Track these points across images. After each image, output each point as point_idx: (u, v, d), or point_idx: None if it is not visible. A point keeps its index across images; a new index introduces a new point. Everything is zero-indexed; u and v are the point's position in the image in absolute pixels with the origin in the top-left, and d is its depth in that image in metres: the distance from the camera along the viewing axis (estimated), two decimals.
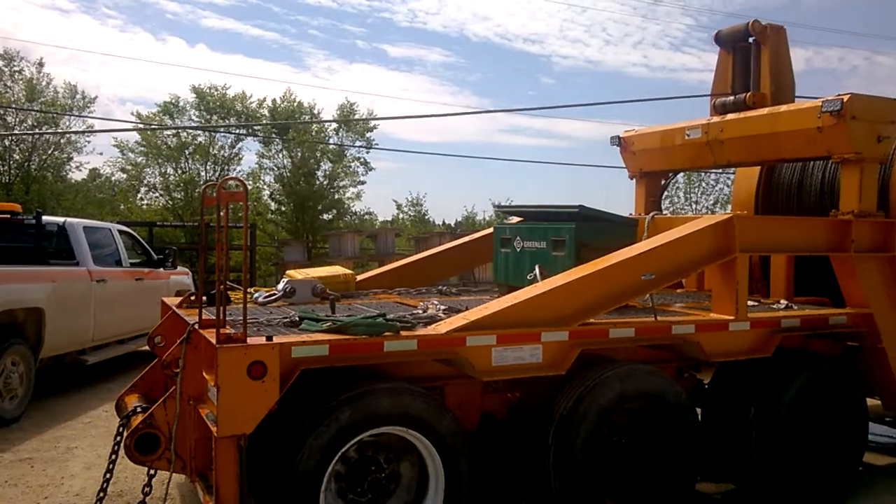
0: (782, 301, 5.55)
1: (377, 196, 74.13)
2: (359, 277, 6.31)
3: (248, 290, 5.55)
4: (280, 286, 5.21)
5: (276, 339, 3.47)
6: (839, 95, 5.12)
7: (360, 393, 3.60)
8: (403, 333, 3.79)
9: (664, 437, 4.51)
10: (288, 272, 5.64)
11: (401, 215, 35.07)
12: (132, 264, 9.61)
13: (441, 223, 37.78)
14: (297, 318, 4.06)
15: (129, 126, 25.48)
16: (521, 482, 4.34)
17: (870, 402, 5.38)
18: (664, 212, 7.88)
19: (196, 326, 3.96)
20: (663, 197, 7.41)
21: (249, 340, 3.41)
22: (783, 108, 5.67)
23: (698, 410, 4.89)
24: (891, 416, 6.73)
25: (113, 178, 28.68)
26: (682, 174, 26.45)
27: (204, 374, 3.86)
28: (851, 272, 5.16)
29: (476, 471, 4.01)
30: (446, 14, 67.65)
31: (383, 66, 60.98)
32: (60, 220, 8.56)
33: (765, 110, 5.80)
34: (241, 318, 3.48)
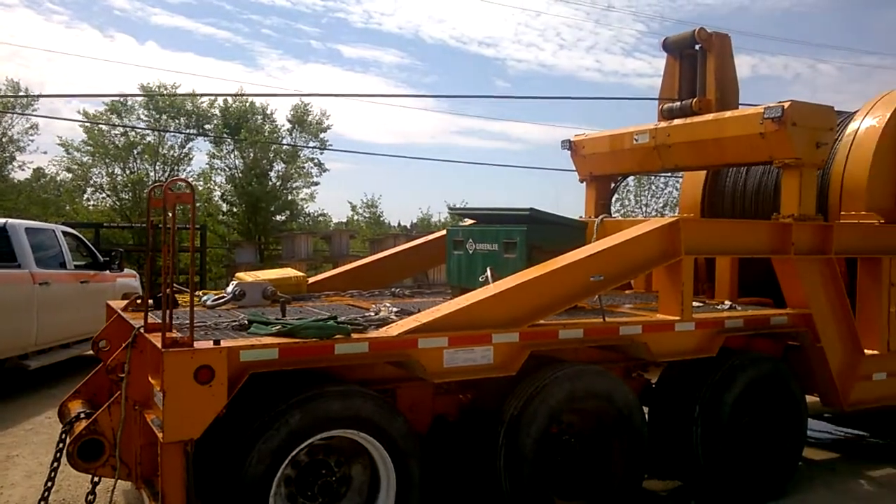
0: (726, 302, 5.70)
1: (332, 197, 73.63)
2: (311, 280, 6.26)
3: (197, 293, 5.47)
4: (229, 289, 5.14)
5: (223, 343, 3.43)
6: (780, 102, 5.29)
7: (310, 396, 3.58)
8: (354, 336, 3.78)
9: (612, 435, 4.59)
10: (237, 274, 5.57)
11: (356, 217, 34.92)
12: (77, 266, 9.37)
13: (397, 225, 37.72)
14: (245, 322, 4.02)
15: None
16: (472, 483, 4.36)
17: (809, 399, 5.57)
18: (614, 214, 8.03)
19: (142, 330, 3.89)
20: (613, 200, 7.54)
21: (196, 344, 3.37)
22: (727, 114, 5.83)
23: (646, 409, 5.00)
24: (829, 412, 6.98)
25: (58, 178, 27.88)
26: (632, 177, 26.99)
27: (150, 378, 3.80)
28: (792, 274, 5.33)
29: (428, 473, 4.02)
30: (402, 15, 67.66)
31: (338, 66, 60.66)
32: (1, 221, 8.30)
33: (710, 116, 5.95)
34: (189, 321, 3.43)
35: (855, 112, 6.28)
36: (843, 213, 5.84)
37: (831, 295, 5.47)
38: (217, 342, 3.42)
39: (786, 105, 5.21)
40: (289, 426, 3.49)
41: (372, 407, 3.73)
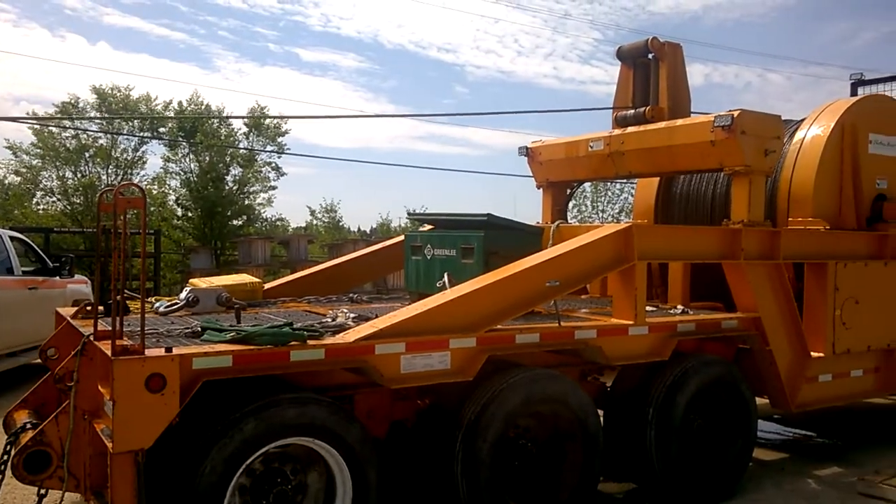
0: (679, 306, 5.81)
1: (290, 202, 73.02)
2: (267, 285, 6.20)
3: (150, 299, 5.37)
4: (182, 295, 5.06)
5: (176, 351, 3.37)
6: (730, 111, 5.42)
7: (264, 404, 3.54)
8: (310, 343, 3.75)
9: (568, 439, 4.64)
10: (191, 280, 5.49)
11: (314, 222, 34.65)
12: (25, 272, 9.10)
13: (356, 230, 37.57)
14: (199, 329, 3.96)
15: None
16: (430, 489, 4.36)
17: (759, 400, 5.71)
18: (571, 220, 8.14)
19: (91, 338, 3.80)
20: (570, 206, 7.64)
21: (147, 352, 3.30)
22: (679, 122, 5.96)
23: (601, 413, 5.07)
24: (778, 413, 7.16)
25: (6, 182, 27.05)
26: (589, 184, 27.33)
27: (99, 387, 3.72)
28: (741, 278, 5.46)
29: (385, 479, 4.01)
30: (360, 19, 67.49)
31: (296, 69, 60.21)
32: None
33: (662, 124, 6.08)
34: (140, 328, 3.36)
35: (802, 121, 6.48)
36: (790, 219, 6.01)
37: (779, 299, 5.62)
38: (169, 349, 3.36)
39: (735, 114, 5.34)
40: (243, 434, 3.45)
41: (327, 414, 3.70)
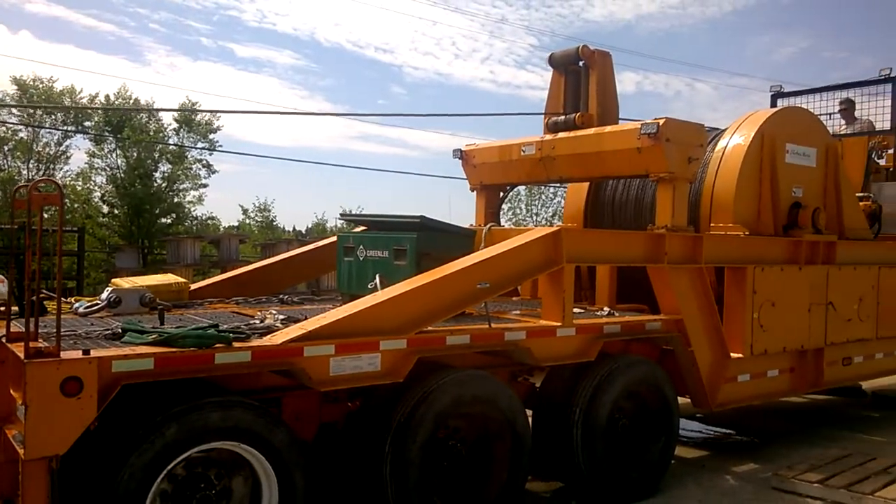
0: (605, 308, 5.95)
1: (222, 200, 71.40)
2: (193, 286, 6.05)
3: (69, 299, 5.18)
4: (104, 296, 4.89)
5: (93, 353, 3.26)
6: (656, 119, 5.59)
7: (187, 407, 3.46)
8: (236, 345, 3.68)
9: (497, 439, 4.69)
10: (114, 280, 5.32)
11: (247, 221, 34.00)
12: None
13: (291, 230, 37.06)
14: (119, 330, 3.84)
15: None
16: (358, 492, 4.34)
17: (681, 400, 5.89)
18: (507, 223, 8.25)
19: (3, 339, 3.64)
20: (505, 208, 7.74)
21: (63, 354, 3.19)
22: (607, 128, 6.10)
23: (530, 413, 5.14)
24: (700, 412, 7.41)
25: None
26: (523, 187, 27.71)
27: (11, 391, 3.56)
28: (665, 282, 5.62)
29: (313, 483, 3.97)
30: (297, 16, 66.65)
31: (230, 65, 58.98)
32: None
33: (591, 130, 6.21)
34: (56, 330, 3.24)
35: (724, 130, 6.73)
36: (712, 224, 6.23)
37: (701, 302, 5.81)
38: (87, 352, 3.25)
39: (660, 122, 5.50)
40: (164, 439, 3.36)
41: (253, 417, 3.64)
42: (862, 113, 9.11)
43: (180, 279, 5.75)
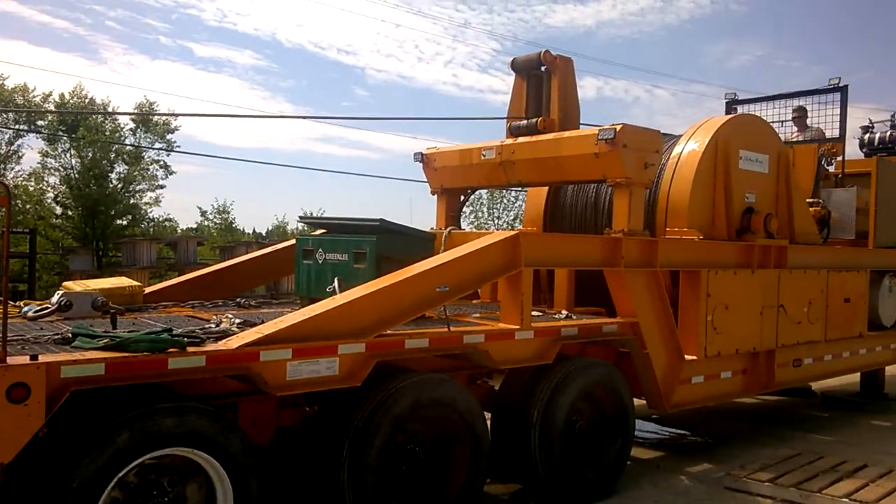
0: (563, 311, 6.01)
1: (180, 202, 70.27)
2: (148, 289, 5.94)
3: (18, 303, 5.04)
4: (54, 299, 4.78)
5: (42, 358, 3.18)
6: (613, 125, 5.67)
7: (140, 413, 3.40)
8: (190, 349, 3.63)
9: (455, 442, 4.70)
10: (65, 284, 5.20)
11: (206, 223, 33.50)
12: None
13: (251, 232, 36.66)
14: (70, 335, 3.75)
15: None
16: (316, 497, 4.31)
17: (637, 401, 5.98)
18: (469, 226, 8.28)
19: None
20: (467, 212, 7.77)
21: (10, 360, 3.11)
22: (566, 134, 6.17)
23: (489, 415, 5.17)
24: (655, 413, 7.53)
25: None
26: (486, 191, 27.81)
27: None
28: (622, 285, 5.71)
29: (269, 489, 3.93)
30: (258, 16, 65.98)
31: (189, 64, 58.12)
32: None
33: (551, 135, 6.27)
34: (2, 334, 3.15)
35: (680, 136, 6.86)
36: (668, 229, 6.35)
37: (656, 305, 5.91)
38: (35, 357, 3.17)
39: (617, 128, 5.59)
40: (115, 445, 3.29)
41: (208, 423, 3.59)
42: (813, 121, 9.36)
43: (134, 282, 5.65)
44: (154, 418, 3.43)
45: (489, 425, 5.12)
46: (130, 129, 24.96)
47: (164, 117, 24.29)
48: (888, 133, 10.39)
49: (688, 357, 6.14)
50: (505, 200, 30.20)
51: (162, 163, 25.38)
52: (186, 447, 3.56)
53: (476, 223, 28.89)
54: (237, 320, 4.43)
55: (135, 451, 3.38)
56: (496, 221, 29.70)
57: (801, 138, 9.21)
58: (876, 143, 10.36)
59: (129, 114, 24.87)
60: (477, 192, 27.46)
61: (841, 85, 8.73)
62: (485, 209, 30.70)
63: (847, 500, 5.33)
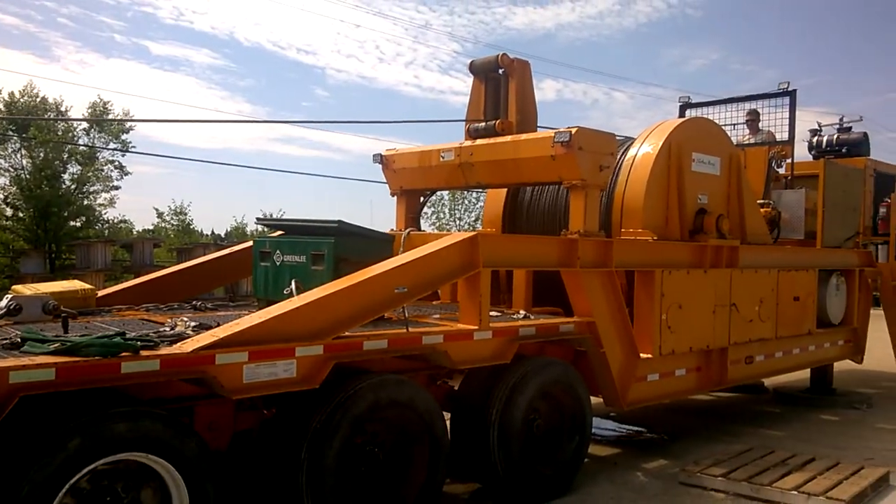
0: (521, 311, 6.08)
1: (137, 203, 68.97)
2: (101, 292, 5.84)
3: None
4: (2, 303, 4.67)
5: None
6: (569, 128, 5.75)
7: (92, 418, 3.35)
8: (144, 353, 3.58)
9: (415, 443, 4.73)
10: (14, 287, 5.08)
11: (163, 224, 32.95)
12: None
13: (210, 233, 36.17)
14: (19, 339, 3.67)
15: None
16: (274, 500, 4.29)
17: (594, 399, 6.07)
18: (431, 227, 8.31)
19: None
20: (430, 213, 7.83)
21: None
22: (524, 136, 6.24)
23: (449, 416, 5.20)
24: (612, 411, 7.65)
25: None
26: (447, 192, 27.88)
27: None
28: (578, 285, 5.79)
29: (226, 493, 3.90)
30: (215, 15, 65.09)
31: (145, 63, 57.04)
32: None
33: (509, 138, 6.33)
34: None
35: (634, 139, 6.98)
36: (623, 230, 6.46)
37: (612, 304, 6.01)
38: None
39: (573, 131, 5.67)
40: (66, 451, 3.23)
41: (162, 427, 3.55)
42: (765, 124, 9.61)
43: (86, 285, 5.54)
44: (106, 423, 3.38)
45: (449, 425, 5.16)
46: (84, 129, 24.43)
47: (118, 115, 23.81)
48: (835, 136, 10.74)
49: (643, 355, 6.25)
50: (466, 201, 30.36)
51: (117, 163, 24.93)
52: (140, 452, 3.52)
53: (438, 224, 28.97)
54: (192, 323, 4.39)
55: (87, 456, 3.32)
56: (458, 222, 29.81)
57: (753, 141, 9.46)
58: (824, 146, 10.70)
59: (83, 119, 24.34)
60: (439, 194, 27.58)
61: (790, 89, 8.99)
62: (446, 210, 30.82)
63: (795, 492, 5.50)
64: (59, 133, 23.41)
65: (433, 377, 5.66)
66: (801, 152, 10.56)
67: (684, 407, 8.87)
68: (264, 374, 3.98)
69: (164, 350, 3.72)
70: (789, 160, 9.09)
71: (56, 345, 3.49)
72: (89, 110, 24.22)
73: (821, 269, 8.78)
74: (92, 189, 24.52)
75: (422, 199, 7.64)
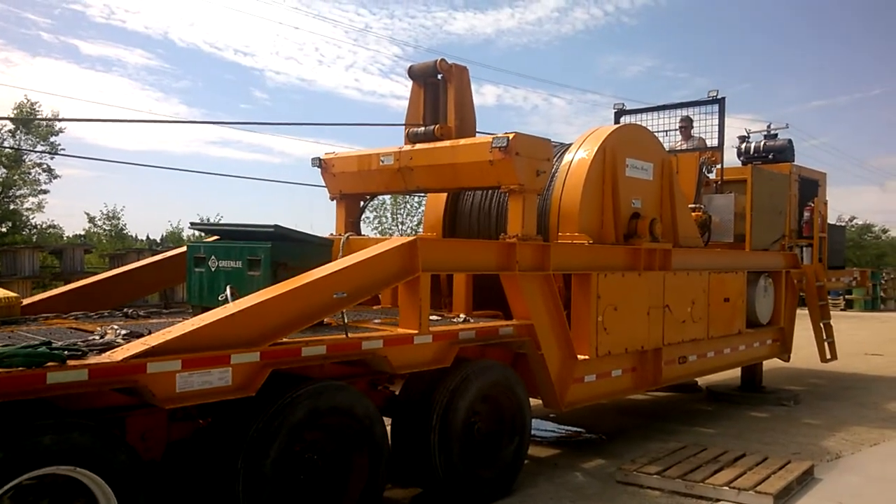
0: (462, 315, 6.12)
1: (67, 207, 66.56)
2: (26, 300, 5.62)
3: None
4: None
5: None
6: (506, 134, 5.82)
7: (14, 431, 3.22)
8: (71, 363, 3.46)
9: (354, 449, 4.70)
10: None
11: (94, 229, 31.91)
12: None
13: (145, 238, 35.22)
14: None
15: None
16: None
17: (534, 401, 6.15)
18: (373, 231, 8.27)
19: None
20: (371, 217, 7.78)
21: None
22: (462, 141, 6.29)
23: (388, 421, 5.19)
24: (552, 412, 7.76)
25: None
26: (389, 196, 27.82)
27: None
28: (517, 288, 5.86)
29: None
30: (148, 14, 63.47)
31: (75, 63, 55.18)
32: None
33: (447, 143, 6.37)
34: None
35: (570, 144, 7.11)
36: (559, 234, 6.57)
37: (550, 307, 6.10)
38: None
39: (510, 136, 5.74)
40: None
41: (91, 439, 3.44)
42: (695, 131, 9.93)
43: (10, 293, 5.32)
44: (31, 436, 3.25)
45: (389, 430, 5.15)
46: (9, 131, 23.51)
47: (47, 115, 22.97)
48: (763, 143, 11.16)
49: (580, 357, 6.37)
50: (408, 206, 30.36)
51: (45, 166, 24.08)
52: (68, 465, 3.40)
53: (380, 228, 28.87)
54: (123, 331, 4.26)
55: (10, 471, 3.19)
56: (400, 227, 29.78)
57: (685, 147, 9.75)
58: (751, 152, 11.11)
59: (8, 119, 23.39)
60: (381, 198, 27.58)
61: (719, 97, 9.31)
62: (388, 214, 30.75)
63: (727, 487, 5.68)
64: None
65: (374, 382, 5.64)
66: (731, 158, 10.96)
67: (621, 407, 9.07)
68: (198, 382, 3.90)
69: (93, 359, 3.60)
70: (719, 166, 9.41)
71: None
72: (15, 111, 23.31)
73: (750, 270, 9.11)
74: (18, 193, 23.64)
75: (361, 203, 7.61)
